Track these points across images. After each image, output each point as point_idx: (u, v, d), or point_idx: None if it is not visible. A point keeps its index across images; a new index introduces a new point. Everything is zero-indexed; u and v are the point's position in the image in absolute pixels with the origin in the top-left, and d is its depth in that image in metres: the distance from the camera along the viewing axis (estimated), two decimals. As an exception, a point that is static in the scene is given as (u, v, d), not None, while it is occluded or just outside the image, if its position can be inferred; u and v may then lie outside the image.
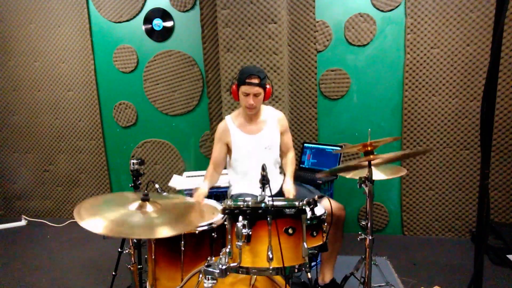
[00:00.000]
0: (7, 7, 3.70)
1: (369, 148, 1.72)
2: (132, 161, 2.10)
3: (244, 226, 1.35)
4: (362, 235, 1.78)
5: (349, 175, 2.03)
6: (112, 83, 3.69)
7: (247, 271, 1.40)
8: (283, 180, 2.34)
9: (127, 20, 3.53)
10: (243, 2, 2.87)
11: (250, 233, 1.37)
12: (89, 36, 3.61)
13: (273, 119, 2.37)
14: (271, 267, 1.37)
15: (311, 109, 3.27)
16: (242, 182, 2.36)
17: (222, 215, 1.76)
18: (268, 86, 2.23)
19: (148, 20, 3.49)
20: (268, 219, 1.36)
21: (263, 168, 1.45)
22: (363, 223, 1.77)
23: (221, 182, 2.71)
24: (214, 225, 1.77)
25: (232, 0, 2.88)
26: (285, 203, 1.45)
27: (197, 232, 1.75)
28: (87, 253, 3.16)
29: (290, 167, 2.39)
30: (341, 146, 2.95)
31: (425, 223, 3.24)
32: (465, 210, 3.15)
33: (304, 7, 3.11)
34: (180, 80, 3.54)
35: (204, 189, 2.15)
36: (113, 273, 2.34)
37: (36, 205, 4.07)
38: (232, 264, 1.38)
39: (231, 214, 1.40)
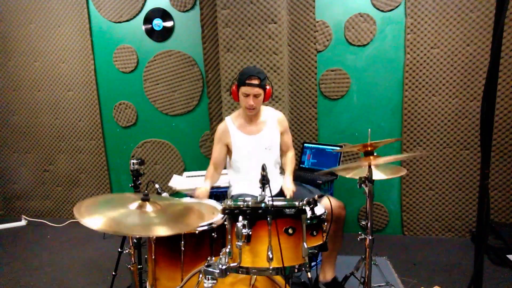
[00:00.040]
0: (7, 7, 3.70)
1: (369, 149, 1.72)
2: (132, 161, 2.10)
3: (244, 226, 1.36)
4: (362, 235, 1.78)
5: (349, 175, 2.03)
6: (112, 83, 3.69)
7: (247, 271, 1.40)
8: (284, 178, 2.35)
9: (127, 20, 3.53)
10: (243, 2, 2.87)
11: (250, 233, 1.37)
12: (89, 36, 3.62)
13: (273, 119, 2.38)
14: (271, 267, 1.37)
15: (311, 109, 3.27)
16: (242, 183, 2.36)
17: (222, 215, 1.76)
18: (268, 87, 2.24)
19: (148, 20, 3.49)
20: (268, 219, 1.36)
21: (263, 168, 1.45)
22: (363, 223, 1.77)
23: (221, 182, 2.71)
24: (214, 225, 1.77)
25: (232, 0, 2.88)
26: (285, 203, 1.45)
27: (197, 232, 1.75)
28: (87, 253, 3.16)
29: (290, 165, 2.41)
30: (341, 146, 2.95)
31: (425, 223, 3.24)
32: (465, 210, 3.15)
33: (304, 7, 3.11)
34: (180, 80, 3.54)
35: (206, 187, 2.17)
36: (113, 273, 2.35)
37: (36, 205, 4.07)
38: (232, 264, 1.38)
39: (231, 214, 1.40)
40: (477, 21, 2.90)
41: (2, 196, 4.11)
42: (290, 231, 1.39)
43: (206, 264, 1.36)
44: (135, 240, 2.14)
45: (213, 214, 1.87)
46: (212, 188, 2.68)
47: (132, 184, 2.14)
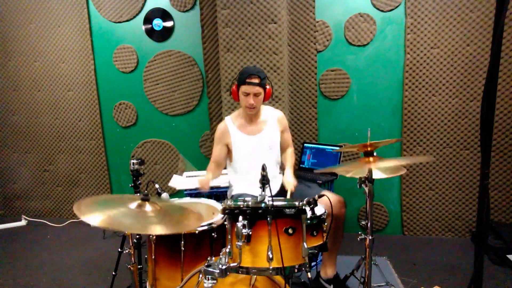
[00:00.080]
0: (7, 7, 3.70)
1: (369, 149, 1.72)
2: (132, 161, 2.10)
3: (244, 226, 1.35)
4: (362, 235, 1.78)
5: (348, 174, 2.03)
6: (112, 83, 3.69)
7: (247, 271, 1.40)
8: (285, 172, 2.37)
9: (127, 20, 3.53)
10: (243, 2, 2.87)
11: (250, 233, 1.37)
12: (89, 36, 3.62)
13: (273, 119, 2.38)
14: (271, 267, 1.37)
15: (311, 109, 3.27)
16: (243, 183, 2.36)
17: (222, 215, 1.77)
18: (268, 87, 2.24)
19: (148, 20, 3.50)
20: (268, 219, 1.36)
21: (263, 168, 1.45)
22: (363, 223, 1.77)
23: (221, 182, 2.72)
24: (214, 225, 1.77)
25: (232, 0, 2.89)
26: (285, 203, 1.45)
27: (197, 232, 1.75)
28: (87, 253, 3.16)
29: (290, 160, 2.44)
30: (341, 146, 2.95)
31: (425, 223, 3.24)
32: (465, 210, 3.15)
33: (304, 7, 3.11)
34: (180, 80, 3.54)
35: (208, 176, 2.23)
36: (113, 273, 2.35)
37: (36, 205, 4.07)
38: (232, 264, 1.38)
39: (231, 214, 1.40)
40: (477, 21, 2.90)
41: (2, 196, 4.11)
42: (290, 231, 1.39)
43: (206, 264, 1.36)
44: (135, 240, 2.14)
45: (213, 214, 1.87)
46: (212, 188, 2.69)
47: (132, 184, 2.14)
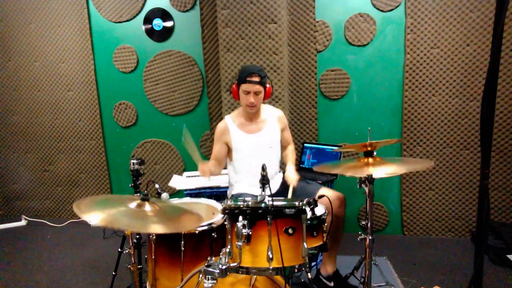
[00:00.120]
0: (7, 7, 3.70)
1: (369, 148, 1.72)
2: (132, 161, 2.10)
3: (244, 226, 1.35)
4: (362, 235, 1.78)
5: (348, 173, 2.03)
6: (112, 83, 3.69)
7: (247, 271, 1.40)
8: (287, 167, 2.38)
9: (127, 20, 3.53)
10: (243, 2, 2.87)
11: (250, 233, 1.37)
12: (89, 36, 3.62)
13: (273, 118, 2.38)
14: (271, 267, 1.37)
15: (311, 109, 3.27)
16: (243, 182, 2.36)
17: (222, 215, 1.77)
18: (268, 85, 2.24)
19: (148, 20, 3.50)
20: (268, 219, 1.36)
21: (263, 168, 1.45)
22: (363, 223, 1.77)
23: (221, 182, 2.72)
24: (214, 225, 1.77)
25: (232, 0, 2.89)
26: (285, 203, 1.45)
27: (197, 232, 1.75)
28: (87, 253, 3.16)
29: (291, 157, 2.46)
30: (340, 146, 2.95)
31: (425, 223, 3.24)
32: (465, 210, 3.15)
33: (304, 7, 3.11)
34: (180, 80, 3.55)
35: (209, 164, 2.24)
36: (113, 273, 2.35)
37: (36, 205, 4.07)
38: (232, 264, 1.38)
39: (231, 214, 1.40)
40: (477, 21, 2.90)
41: (2, 196, 4.11)
42: (290, 231, 1.39)
43: (206, 264, 1.36)
44: (135, 240, 2.14)
45: (213, 214, 1.87)
46: (212, 188, 2.70)
47: (132, 184, 2.14)
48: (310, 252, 1.42)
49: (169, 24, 3.47)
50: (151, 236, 1.80)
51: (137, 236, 2.21)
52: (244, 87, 2.17)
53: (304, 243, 1.41)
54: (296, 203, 1.42)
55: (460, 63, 2.98)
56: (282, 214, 1.39)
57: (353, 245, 2.72)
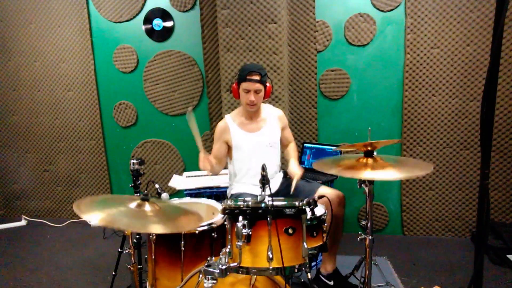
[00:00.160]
0: (7, 7, 3.70)
1: (369, 148, 1.72)
2: (132, 161, 2.10)
3: (244, 226, 1.35)
4: (362, 235, 1.78)
5: (346, 175, 2.02)
6: (112, 83, 3.69)
7: (247, 271, 1.40)
8: (290, 162, 2.37)
9: (127, 20, 3.53)
10: (243, 2, 2.87)
11: (250, 233, 1.37)
12: (89, 36, 3.62)
13: (273, 117, 2.39)
14: (271, 267, 1.37)
15: (311, 109, 3.27)
16: (243, 181, 2.36)
17: (222, 215, 1.77)
18: (268, 84, 2.24)
19: (148, 20, 3.50)
20: (268, 219, 1.36)
21: (263, 168, 1.45)
22: (363, 223, 1.77)
23: (221, 182, 2.72)
24: (214, 225, 1.77)
25: (232, 0, 2.89)
26: (285, 203, 1.45)
27: (197, 232, 1.75)
28: (87, 253, 3.16)
29: (293, 153, 2.46)
30: (338, 146, 2.94)
31: (425, 223, 3.24)
32: (465, 210, 3.15)
33: (304, 7, 3.11)
34: (180, 80, 3.54)
35: (210, 156, 2.19)
36: (113, 273, 2.34)
37: (36, 205, 4.07)
38: (232, 264, 1.38)
39: (231, 214, 1.40)
40: (477, 21, 2.90)
41: (2, 196, 4.11)
42: (290, 231, 1.39)
43: (206, 264, 1.36)
44: (135, 240, 2.14)
45: (213, 214, 1.87)
46: (212, 188, 2.69)
47: (132, 184, 2.14)
48: (310, 252, 1.42)
49: (169, 24, 3.47)
50: (151, 236, 1.80)
51: (137, 236, 2.21)
52: (244, 85, 2.17)
53: (304, 243, 1.41)
54: (296, 203, 1.42)
55: (460, 63, 2.98)
56: (282, 214, 1.39)
57: (353, 245, 2.72)
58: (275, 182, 2.38)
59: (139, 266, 2.13)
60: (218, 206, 2.01)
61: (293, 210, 1.39)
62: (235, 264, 1.38)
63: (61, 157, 3.93)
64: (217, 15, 2.95)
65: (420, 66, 3.04)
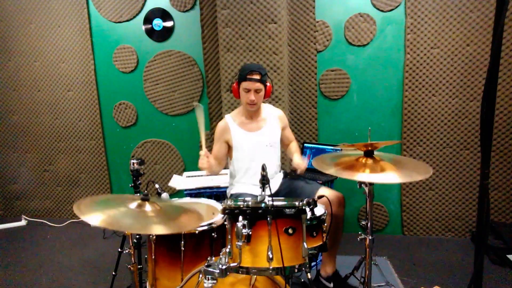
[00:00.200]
0: (7, 7, 3.70)
1: (369, 148, 1.72)
2: (132, 161, 2.10)
3: (244, 226, 1.35)
4: (362, 235, 1.78)
5: (345, 176, 2.02)
6: (112, 83, 3.69)
7: (247, 271, 1.40)
8: (294, 157, 2.37)
9: (127, 20, 3.53)
10: (243, 2, 2.87)
11: (250, 233, 1.37)
12: (89, 36, 3.62)
13: (273, 116, 2.39)
14: (271, 267, 1.37)
15: (311, 109, 3.27)
16: (242, 181, 2.37)
17: (222, 215, 1.77)
18: (268, 83, 2.25)
19: (148, 20, 3.49)
20: (268, 219, 1.36)
21: (263, 168, 1.45)
22: (363, 223, 1.77)
23: (221, 182, 2.72)
24: (214, 225, 1.77)
25: (232, 0, 2.89)
26: (285, 203, 1.45)
27: (197, 232, 1.75)
28: (87, 253, 3.16)
29: (296, 150, 2.46)
30: (341, 148, 2.95)
31: (425, 223, 3.24)
32: (465, 210, 3.15)
33: (304, 7, 3.11)
34: (180, 80, 3.54)
35: (210, 156, 2.18)
36: (113, 273, 2.35)
37: (36, 205, 4.07)
38: (232, 264, 1.38)
39: (231, 214, 1.40)
40: (477, 21, 2.90)
41: (2, 196, 4.11)
42: (290, 231, 1.39)
43: (206, 264, 1.36)
44: (135, 240, 2.14)
45: (213, 214, 1.87)
46: (212, 188, 2.69)
47: (132, 184, 2.14)
48: (310, 252, 1.42)
49: (169, 24, 3.47)
50: (151, 236, 1.79)
51: (137, 236, 2.21)
52: (244, 85, 2.18)
53: (304, 243, 1.41)
54: (296, 203, 1.42)
55: (460, 63, 2.98)
56: (282, 214, 1.39)
57: (353, 245, 2.72)
58: (275, 183, 2.38)
59: (139, 266, 2.13)
60: (218, 206, 2.01)
61: (293, 210, 1.39)
62: (235, 264, 1.38)
63: (61, 157, 3.93)
64: (217, 15, 2.95)
65: (420, 66, 3.04)
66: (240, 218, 1.36)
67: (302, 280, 2.37)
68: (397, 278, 2.54)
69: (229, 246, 1.41)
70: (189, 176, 3.07)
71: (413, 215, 3.25)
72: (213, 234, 1.77)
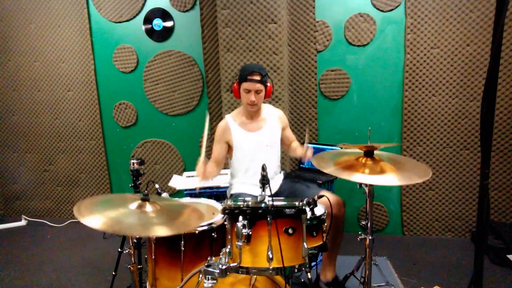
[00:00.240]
0: (7, 7, 3.70)
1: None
2: (132, 161, 2.10)
3: (244, 226, 1.35)
4: (362, 235, 1.78)
5: (343, 176, 2.02)
6: (112, 83, 3.69)
7: (247, 271, 1.40)
8: (298, 148, 2.35)
9: (127, 20, 3.53)
10: (243, 2, 2.87)
11: (250, 233, 1.37)
12: (89, 36, 3.62)
13: (273, 117, 2.39)
14: (271, 267, 1.37)
15: (311, 109, 3.27)
16: (243, 181, 2.37)
17: (222, 215, 1.77)
18: (269, 84, 2.25)
19: (148, 20, 3.49)
20: (268, 219, 1.36)
21: (263, 168, 1.45)
22: (363, 223, 1.77)
23: (221, 182, 2.72)
24: (214, 225, 1.77)
25: (232, 0, 2.89)
26: (285, 203, 1.45)
27: (197, 232, 1.75)
28: (87, 253, 3.16)
29: (298, 146, 2.42)
30: (341, 147, 2.94)
31: (425, 223, 3.24)
32: (465, 210, 3.15)
33: (304, 7, 3.11)
34: (180, 80, 3.54)
35: (208, 167, 2.17)
36: (113, 273, 2.34)
37: (36, 205, 4.07)
38: (232, 264, 1.38)
39: (231, 214, 1.40)
40: (477, 21, 2.90)
41: (2, 196, 4.11)
42: (290, 231, 1.39)
43: (206, 264, 1.36)
44: (135, 240, 2.14)
45: (213, 214, 1.87)
46: (212, 188, 2.69)
47: (132, 184, 2.14)
48: (310, 252, 1.42)
49: (169, 24, 3.47)
50: (151, 236, 1.79)
51: (137, 236, 2.20)
52: (245, 85, 2.18)
53: (304, 243, 1.41)
54: (296, 203, 1.42)
55: (460, 63, 2.98)
56: (282, 214, 1.39)
57: (353, 245, 2.71)
58: (275, 183, 2.37)
59: (139, 266, 2.13)
60: (218, 206, 2.01)
61: (293, 210, 1.39)
62: (235, 264, 1.38)
63: (61, 157, 3.93)
64: (217, 15, 2.95)
65: (420, 66, 3.04)
66: (240, 218, 1.36)
67: (302, 280, 2.37)
68: (397, 278, 2.54)
69: (229, 246, 1.41)
70: (189, 176, 3.07)
71: (413, 215, 3.25)
72: (213, 234, 1.77)
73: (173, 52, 3.51)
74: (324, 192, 2.28)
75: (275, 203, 1.41)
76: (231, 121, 2.34)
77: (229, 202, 1.44)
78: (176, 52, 3.50)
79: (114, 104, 3.71)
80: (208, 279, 1.35)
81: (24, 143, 3.97)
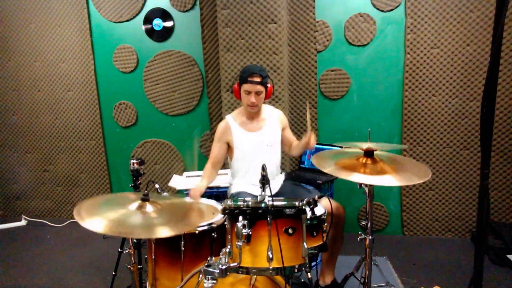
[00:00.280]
0: (7, 7, 3.70)
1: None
2: (132, 161, 2.10)
3: (244, 226, 1.36)
4: (362, 235, 1.78)
5: (343, 176, 2.02)
6: (112, 83, 3.69)
7: (247, 271, 1.40)
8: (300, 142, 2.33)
9: (127, 20, 3.53)
10: (243, 2, 2.87)
11: (250, 233, 1.37)
12: (89, 36, 3.61)
13: (273, 117, 2.40)
14: (271, 267, 1.37)
15: (311, 109, 3.27)
16: (243, 181, 2.37)
17: (222, 215, 1.77)
18: (269, 85, 2.25)
19: (148, 20, 3.49)
20: (268, 219, 1.36)
21: (263, 168, 1.45)
22: (363, 223, 1.77)
23: (221, 182, 2.72)
24: (214, 225, 1.77)
25: (232, 0, 2.89)
26: (285, 203, 1.45)
27: (197, 232, 1.75)
28: (87, 253, 3.16)
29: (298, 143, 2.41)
30: (341, 147, 2.94)
31: (425, 223, 3.24)
32: (465, 210, 3.15)
33: (304, 7, 3.11)
34: (180, 80, 3.54)
35: (201, 187, 2.17)
36: (113, 273, 2.35)
37: (36, 205, 4.07)
38: (232, 264, 1.38)
39: (231, 214, 1.40)
40: (477, 21, 2.90)
41: (2, 196, 4.11)
42: (290, 231, 1.39)
43: (206, 264, 1.36)
44: (135, 240, 2.14)
45: (213, 214, 1.87)
46: (212, 188, 2.69)
47: (132, 184, 2.14)
48: (310, 252, 1.42)
49: (169, 24, 3.47)
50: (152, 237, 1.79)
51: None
52: (245, 87, 2.18)
53: (304, 243, 1.41)
54: (296, 203, 1.42)
55: (460, 63, 2.98)
56: (282, 214, 1.39)
57: (353, 245, 2.71)
58: (276, 184, 2.37)
59: (139, 266, 2.13)
60: (218, 206, 2.01)
61: (293, 210, 1.39)
62: (235, 264, 1.38)
63: (61, 157, 3.93)
64: (217, 15, 2.95)
65: (420, 66, 3.04)
66: (240, 218, 1.37)
67: (302, 280, 2.37)
68: (397, 278, 2.54)
69: (229, 246, 1.41)
70: (189, 176, 3.07)
71: (413, 215, 3.25)
72: (213, 234, 1.77)
73: (173, 52, 3.51)
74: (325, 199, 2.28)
75: (275, 203, 1.41)
76: (232, 121, 2.35)
77: (229, 202, 1.44)
78: (176, 52, 3.50)
79: (114, 104, 3.71)
80: (208, 279, 1.35)
81: (24, 143, 3.96)
